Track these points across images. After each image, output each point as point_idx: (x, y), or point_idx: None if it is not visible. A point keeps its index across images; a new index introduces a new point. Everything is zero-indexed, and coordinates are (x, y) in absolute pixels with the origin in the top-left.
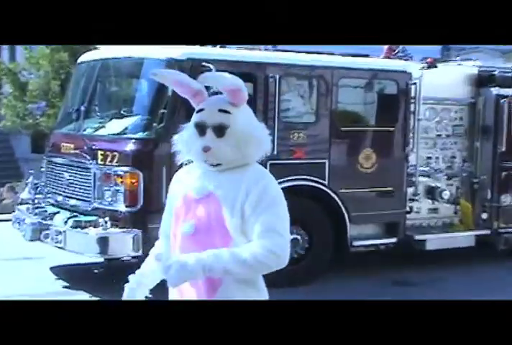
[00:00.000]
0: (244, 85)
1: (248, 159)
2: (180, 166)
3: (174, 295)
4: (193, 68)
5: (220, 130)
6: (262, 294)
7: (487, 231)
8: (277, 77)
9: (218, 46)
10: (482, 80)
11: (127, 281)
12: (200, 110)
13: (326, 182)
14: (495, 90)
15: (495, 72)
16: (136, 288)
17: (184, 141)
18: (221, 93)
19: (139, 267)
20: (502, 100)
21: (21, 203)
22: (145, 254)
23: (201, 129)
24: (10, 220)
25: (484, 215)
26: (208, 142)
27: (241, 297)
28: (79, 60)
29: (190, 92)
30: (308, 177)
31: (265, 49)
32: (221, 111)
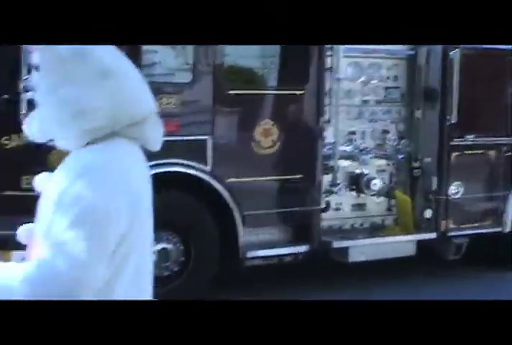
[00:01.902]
0: None
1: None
2: None
3: None
4: None
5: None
6: None
7: (431, 235)
8: None
9: None
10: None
11: None
12: None
13: (208, 168)
14: None
15: None
16: None
17: None
18: None
19: None
20: (452, 52)
21: None
22: None
23: None
24: None
25: (428, 213)
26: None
27: None
28: None
29: None
30: (182, 162)
31: None
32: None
